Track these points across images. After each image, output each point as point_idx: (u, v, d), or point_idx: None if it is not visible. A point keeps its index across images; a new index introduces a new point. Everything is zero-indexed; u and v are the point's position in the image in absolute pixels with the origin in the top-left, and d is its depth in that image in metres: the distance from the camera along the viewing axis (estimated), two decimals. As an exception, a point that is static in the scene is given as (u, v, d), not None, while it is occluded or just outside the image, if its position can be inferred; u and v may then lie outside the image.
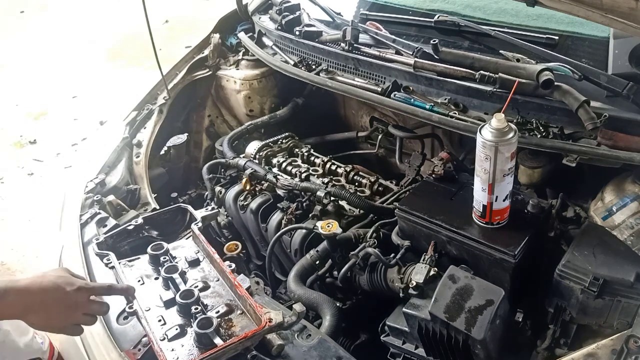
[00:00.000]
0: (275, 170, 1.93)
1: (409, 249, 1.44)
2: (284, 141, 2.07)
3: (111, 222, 1.63)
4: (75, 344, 1.44)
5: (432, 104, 1.60)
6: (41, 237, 3.02)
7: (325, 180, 1.84)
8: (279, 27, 2.09)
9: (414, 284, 1.29)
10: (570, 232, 1.39)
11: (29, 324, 1.08)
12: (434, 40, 1.64)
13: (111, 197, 1.72)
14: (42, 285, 1.07)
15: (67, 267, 1.23)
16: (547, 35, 1.70)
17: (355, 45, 1.82)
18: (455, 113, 1.55)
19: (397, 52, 1.75)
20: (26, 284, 1.06)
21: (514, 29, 1.75)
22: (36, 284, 1.06)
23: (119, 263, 1.37)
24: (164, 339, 1.16)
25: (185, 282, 1.31)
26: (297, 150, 2.04)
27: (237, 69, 2.28)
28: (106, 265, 1.37)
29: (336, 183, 1.82)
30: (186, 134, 2.28)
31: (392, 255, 1.45)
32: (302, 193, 1.78)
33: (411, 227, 1.43)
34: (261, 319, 1.14)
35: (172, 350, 1.14)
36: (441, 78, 1.61)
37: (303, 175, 1.85)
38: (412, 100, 1.64)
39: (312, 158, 1.98)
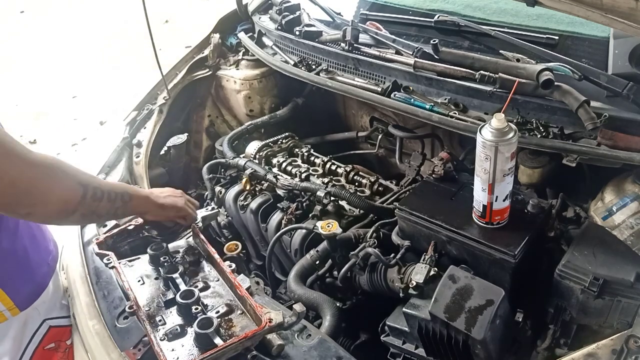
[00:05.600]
0: (275, 170, 1.93)
1: (409, 249, 1.43)
2: (284, 141, 2.07)
3: (111, 222, 1.63)
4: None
5: (432, 104, 1.60)
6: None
7: (325, 180, 1.84)
8: (279, 27, 2.09)
9: (414, 284, 1.29)
10: (570, 232, 1.39)
11: (144, 218, 1.46)
12: (434, 40, 1.64)
13: (111, 197, 1.72)
14: (158, 197, 1.44)
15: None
16: (547, 35, 1.71)
17: (355, 45, 1.82)
18: (455, 113, 1.55)
19: (397, 52, 1.75)
20: (146, 194, 1.43)
21: (514, 29, 1.75)
22: (154, 195, 1.43)
23: (119, 263, 1.37)
24: (164, 339, 1.16)
25: (185, 282, 1.31)
26: (297, 150, 2.04)
27: (237, 69, 2.28)
28: (106, 265, 1.38)
29: (336, 183, 1.82)
30: (186, 134, 2.28)
31: (392, 255, 1.45)
32: (302, 193, 1.78)
33: (411, 227, 1.43)
34: (261, 319, 1.14)
35: (172, 350, 1.14)
36: (441, 78, 1.61)
37: (303, 175, 1.85)
38: (412, 100, 1.64)
39: (312, 158, 1.98)
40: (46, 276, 1.46)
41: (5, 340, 1.40)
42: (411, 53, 1.69)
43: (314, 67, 1.94)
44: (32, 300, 1.41)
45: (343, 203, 1.72)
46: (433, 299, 1.19)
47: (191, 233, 1.50)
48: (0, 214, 1.27)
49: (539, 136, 1.41)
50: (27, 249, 1.39)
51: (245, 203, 1.87)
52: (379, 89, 1.72)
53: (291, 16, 2.07)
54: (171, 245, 1.45)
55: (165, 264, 1.35)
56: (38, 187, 1.08)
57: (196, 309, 1.20)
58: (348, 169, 1.87)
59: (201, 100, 2.39)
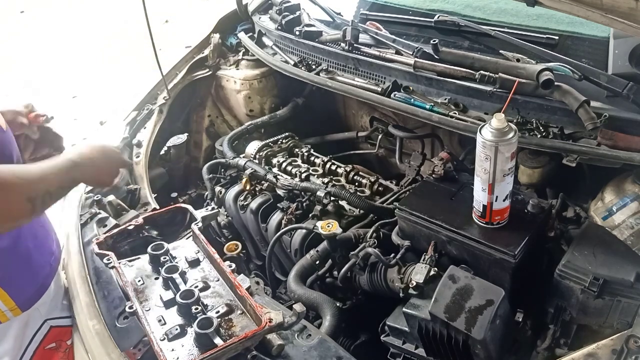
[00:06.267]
0: (275, 170, 1.93)
1: (409, 249, 1.44)
2: (284, 141, 2.07)
3: (111, 222, 1.63)
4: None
5: (432, 104, 1.60)
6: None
7: (325, 180, 1.84)
8: (279, 27, 2.09)
9: (414, 284, 1.29)
10: (570, 232, 1.39)
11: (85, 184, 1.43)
12: (434, 40, 1.64)
13: (111, 197, 1.72)
14: (91, 156, 1.33)
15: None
16: (547, 35, 1.71)
17: (355, 45, 1.82)
18: (455, 113, 1.55)
19: (397, 52, 1.75)
20: (75, 158, 1.28)
21: (514, 29, 1.75)
22: (85, 156, 1.31)
23: (119, 263, 1.37)
24: (164, 339, 1.16)
25: (185, 282, 1.31)
26: (297, 150, 2.04)
27: (237, 69, 2.28)
28: (106, 265, 1.38)
29: (336, 183, 1.82)
30: (186, 134, 2.29)
31: (392, 255, 1.45)
32: (302, 193, 1.78)
33: (411, 227, 1.43)
34: (261, 319, 1.14)
35: (172, 350, 1.14)
36: (441, 78, 1.61)
37: (303, 175, 1.85)
38: (412, 100, 1.64)
39: (312, 158, 1.98)
40: (48, 277, 1.47)
41: (6, 340, 1.40)
42: (411, 53, 1.69)
43: (314, 67, 1.94)
44: (34, 301, 1.41)
45: (343, 203, 1.72)
46: (433, 299, 1.19)
47: (191, 233, 1.50)
48: None
49: (539, 136, 1.41)
50: (29, 250, 1.39)
51: (245, 203, 1.87)
52: (379, 89, 1.73)
53: (291, 16, 2.07)
54: (171, 245, 1.45)
55: (166, 264, 1.35)
56: None
57: (196, 309, 1.19)
58: (348, 169, 1.87)
59: (201, 100, 2.39)
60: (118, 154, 1.47)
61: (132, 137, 2.02)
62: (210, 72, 2.31)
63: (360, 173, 1.87)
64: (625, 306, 1.15)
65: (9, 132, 1.32)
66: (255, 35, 2.26)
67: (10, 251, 1.33)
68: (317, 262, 1.59)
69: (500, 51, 1.60)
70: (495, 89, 1.48)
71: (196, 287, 1.29)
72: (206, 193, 2.04)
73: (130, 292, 1.26)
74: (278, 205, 1.80)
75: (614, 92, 1.37)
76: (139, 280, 1.34)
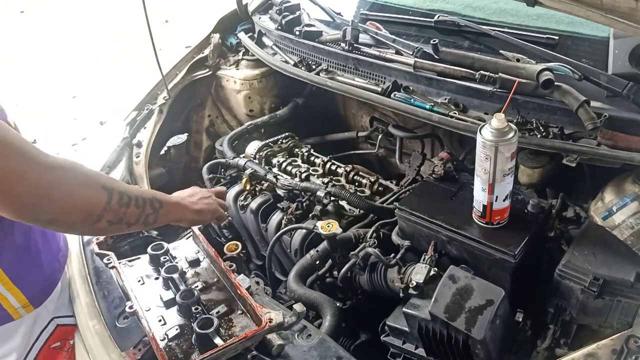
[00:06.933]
0: (275, 170, 1.93)
1: (409, 249, 1.44)
2: (284, 141, 2.07)
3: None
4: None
5: (432, 104, 1.60)
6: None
7: (325, 180, 1.84)
8: (279, 27, 2.09)
9: (414, 284, 1.29)
10: (570, 232, 1.39)
11: (182, 225, 1.42)
12: (434, 40, 1.64)
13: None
14: (191, 202, 1.36)
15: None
16: (547, 35, 1.71)
17: (355, 45, 1.82)
18: (455, 113, 1.55)
19: (397, 52, 1.75)
20: (176, 199, 1.32)
21: (514, 29, 1.75)
22: (185, 200, 1.34)
23: (119, 263, 1.37)
24: (164, 339, 1.16)
25: (185, 282, 1.31)
26: (297, 150, 2.04)
27: (237, 69, 2.28)
28: (106, 265, 1.38)
29: (336, 183, 1.82)
30: (186, 134, 2.29)
31: (392, 255, 1.45)
32: (302, 193, 1.78)
33: (411, 227, 1.43)
34: (261, 319, 1.14)
35: (172, 350, 1.14)
36: (441, 78, 1.61)
37: (303, 175, 1.85)
38: (412, 100, 1.64)
39: (312, 158, 1.98)
40: (57, 273, 1.46)
41: (15, 337, 1.39)
42: (411, 53, 1.69)
43: (314, 67, 1.94)
44: (45, 298, 1.40)
45: (343, 203, 1.72)
46: (433, 299, 1.19)
47: (191, 233, 1.50)
48: None
49: (539, 136, 1.41)
50: (39, 246, 1.38)
51: (245, 203, 1.87)
52: (379, 89, 1.72)
53: (291, 16, 2.07)
54: (171, 245, 1.45)
55: (166, 264, 1.35)
56: (59, 191, 1.01)
57: (196, 309, 1.20)
58: (348, 169, 1.87)
59: (201, 100, 2.39)
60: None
61: (132, 137, 2.02)
62: (210, 72, 2.31)
63: (360, 173, 1.87)
64: (625, 306, 1.15)
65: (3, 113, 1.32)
66: (255, 35, 2.26)
67: (22, 247, 1.32)
68: (317, 262, 1.59)
69: (500, 51, 1.60)
70: (495, 89, 1.48)
71: (196, 287, 1.29)
72: (206, 193, 2.04)
73: (130, 292, 1.27)
74: (278, 205, 1.80)
75: (614, 92, 1.37)
76: (139, 280, 1.34)
